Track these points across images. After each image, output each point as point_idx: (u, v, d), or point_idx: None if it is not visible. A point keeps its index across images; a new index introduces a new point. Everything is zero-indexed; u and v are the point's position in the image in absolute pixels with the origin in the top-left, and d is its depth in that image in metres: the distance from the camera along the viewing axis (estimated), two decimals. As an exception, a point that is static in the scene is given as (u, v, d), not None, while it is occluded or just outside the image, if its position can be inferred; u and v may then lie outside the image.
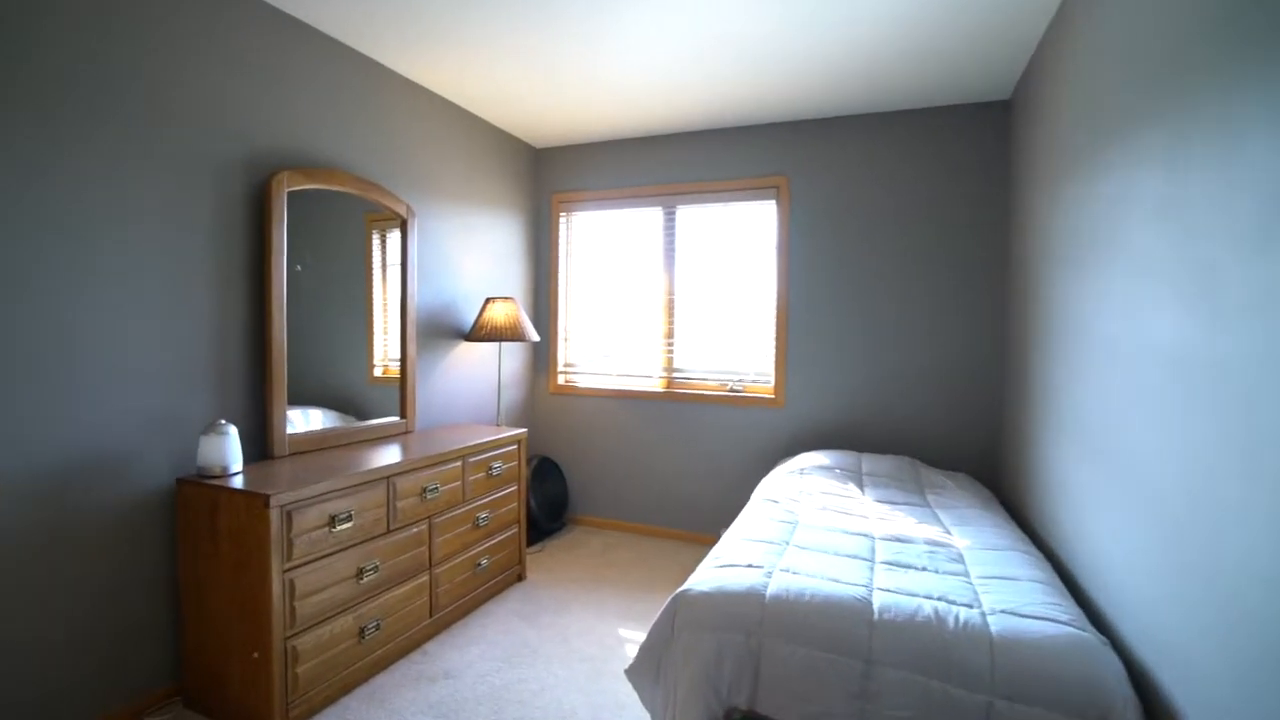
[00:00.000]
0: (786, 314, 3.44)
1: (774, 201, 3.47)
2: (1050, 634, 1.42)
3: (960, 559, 1.93)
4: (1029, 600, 1.58)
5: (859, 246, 3.30)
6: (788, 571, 1.77)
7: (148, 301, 1.93)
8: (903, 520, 2.30)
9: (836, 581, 1.70)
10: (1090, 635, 1.42)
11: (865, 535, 2.12)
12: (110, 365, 1.84)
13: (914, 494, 2.65)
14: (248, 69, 2.19)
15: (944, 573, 1.81)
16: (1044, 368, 2.30)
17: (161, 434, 1.98)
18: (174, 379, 2.00)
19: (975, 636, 1.44)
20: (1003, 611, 1.54)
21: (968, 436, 3.12)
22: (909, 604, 1.58)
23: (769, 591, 1.66)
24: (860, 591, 1.65)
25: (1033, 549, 2.01)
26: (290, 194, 2.28)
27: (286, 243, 2.27)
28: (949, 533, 2.18)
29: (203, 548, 1.92)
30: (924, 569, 1.84)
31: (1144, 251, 1.47)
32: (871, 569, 1.83)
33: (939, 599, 1.61)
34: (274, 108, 2.28)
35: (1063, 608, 1.55)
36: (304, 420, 2.44)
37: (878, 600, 1.61)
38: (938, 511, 2.43)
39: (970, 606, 1.57)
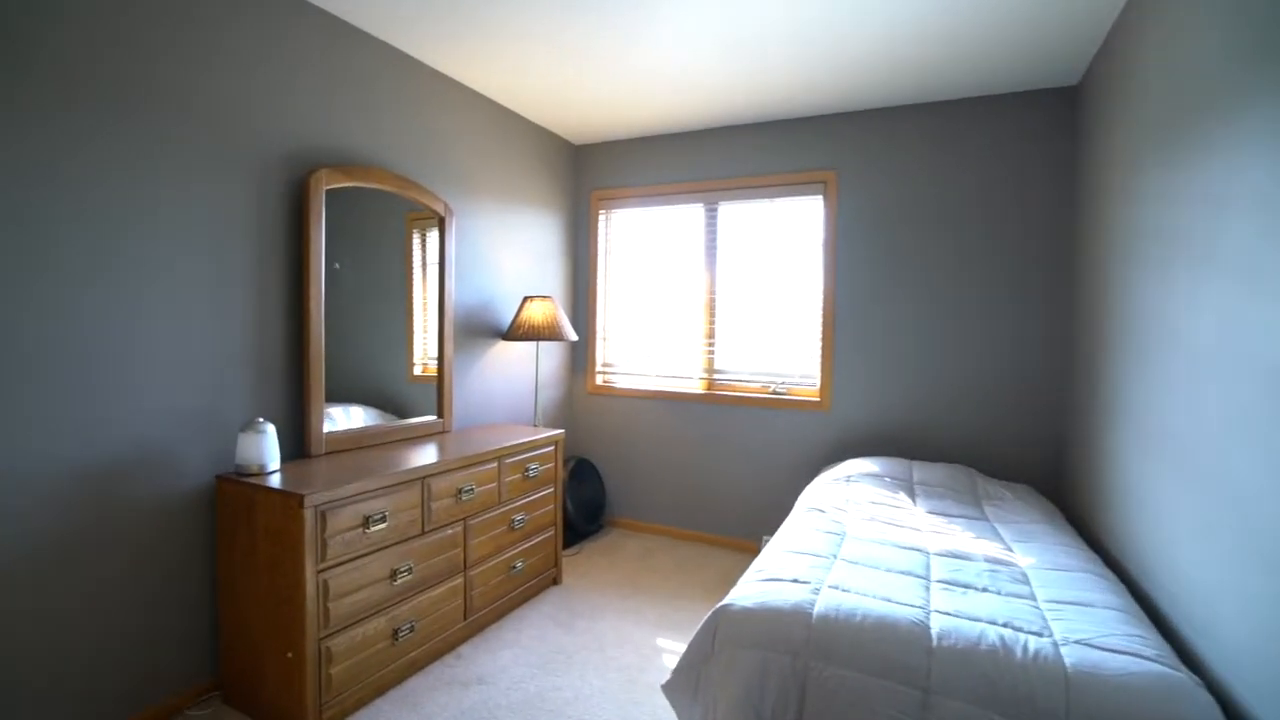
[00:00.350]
0: (833, 314, 3.30)
1: (821, 197, 3.34)
2: (1134, 670, 1.28)
3: (1024, 579, 1.78)
4: (1107, 630, 1.44)
5: (911, 243, 3.14)
6: (836, 588, 1.66)
7: (188, 300, 1.94)
8: (959, 535, 2.16)
9: (889, 601, 1.59)
10: (1182, 674, 1.27)
11: (919, 550, 1.99)
12: (152, 363, 1.86)
13: (970, 506, 2.49)
14: (284, 66, 2.19)
15: (1007, 595, 1.67)
16: (1121, 376, 2.11)
17: (202, 431, 1.99)
18: (214, 377, 2.02)
19: (1047, 670, 1.31)
20: (1077, 642, 1.40)
21: (1028, 445, 2.93)
22: (971, 629, 1.45)
23: (816, 610, 1.56)
24: (916, 614, 1.53)
25: (1106, 571, 1.84)
26: (329, 192, 2.28)
27: (325, 241, 2.27)
28: (1010, 550, 2.03)
29: (240, 545, 1.93)
30: (984, 590, 1.71)
31: (1251, 251, 1.30)
32: (927, 588, 1.71)
33: (1004, 625, 1.48)
34: (310, 105, 2.28)
35: (1147, 640, 1.40)
36: (345, 417, 2.45)
37: (936, 624, 1.49)
38: (997, 526, 2.28)
39: (1040, 635, 1.44)
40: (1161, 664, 1.30)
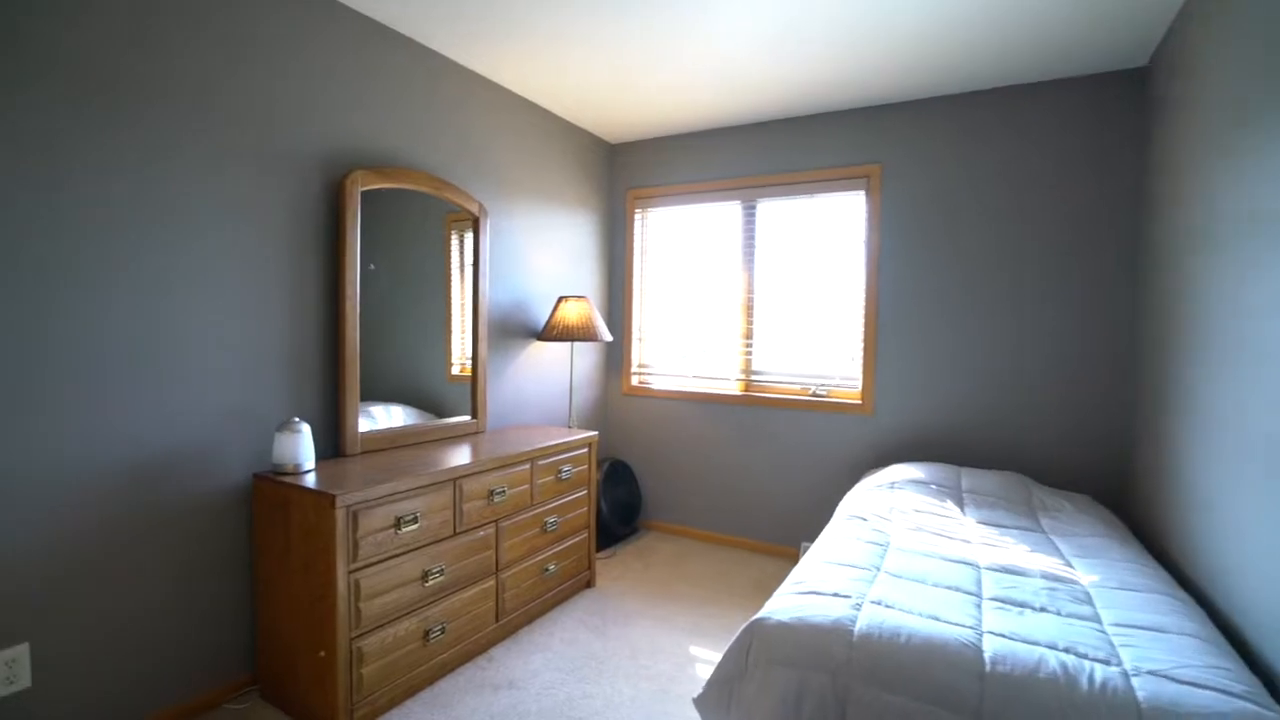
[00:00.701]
0: (876, 313, 3.17)
1: (864, 192, 3.21)
2: (1221, 709, 1.15)
3: (1087, 599, 1.65)
4: (1185, 661, 1.30)
5: (958, 237, 2.99)
6: (879, 604, 1.57)
7: (225, 300, 1.97)
8: (1013, 548, 2.02)
9: (937, 620, 1.49)
10: (1276, 715, 1.14)
11: (969, 564, 1.87)
12: (192, 363, 1.90)
13: (1024, 517, 2.34)
14: (317, 68, 2.21)
15: (1068, 616, 1.55)
16: (1202, 377, 1.93)
17: (241, 430, 2.02)
18: (252, 376, 2.04)
19: (1117, 704, 1.19)
20: (1150, 673, 1.27)
21: (1085, 451, 2.74)
22: (1029, 654, 1.34)
23: (858, 627, 1.47)
24: (968, 634, 1.42)
25: (1181, 593, 1.69)
26: (364, 193, 2.29)
27: (361, 241, 2.28)
28: (1070, 565, 1.89)
29: (275, 543, 1.95)
30: (1042, 609, 1.58)
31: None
32: (979, 606, 1.59)
33: (1065, 650, 1.37)
34: (344, 107, 2.30)
35: (1232, 674, 1.26)
36: (386, 415, 2.46)
37: (989, 646, 1.38)
38: (1054, 539, 2.13)
39: (1107, 663, 1.31)
40: (1253, 702, 1.16)
